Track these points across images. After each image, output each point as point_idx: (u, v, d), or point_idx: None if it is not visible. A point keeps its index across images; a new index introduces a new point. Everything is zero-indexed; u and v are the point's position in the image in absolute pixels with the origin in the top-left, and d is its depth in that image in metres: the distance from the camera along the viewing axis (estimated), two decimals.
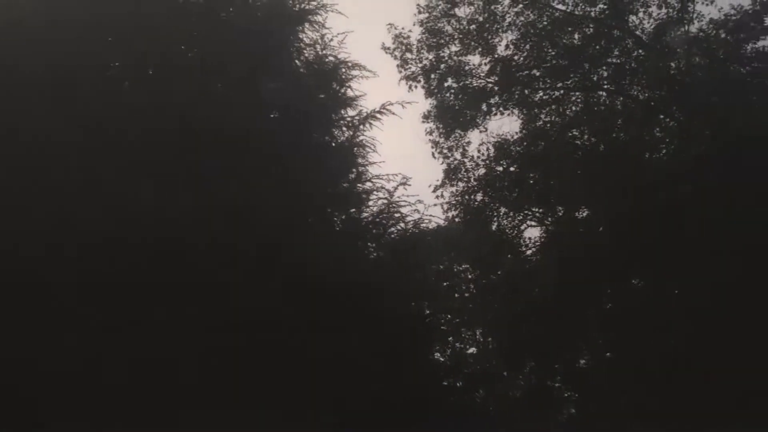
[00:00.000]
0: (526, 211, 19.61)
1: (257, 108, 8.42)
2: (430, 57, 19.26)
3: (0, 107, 7.13)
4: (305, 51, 9.42)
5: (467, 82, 19.33)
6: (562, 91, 19.55)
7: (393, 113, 9.46)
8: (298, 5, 9.25)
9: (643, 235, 15.77)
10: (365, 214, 10.37)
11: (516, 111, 19.59)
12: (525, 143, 19.32)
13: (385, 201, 10.34)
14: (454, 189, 19.54)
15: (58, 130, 7.03)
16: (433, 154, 19.76)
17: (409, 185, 10.28)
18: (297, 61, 9.38)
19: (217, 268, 7.40)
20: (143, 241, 6.92)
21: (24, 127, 7.02)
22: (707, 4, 18.58)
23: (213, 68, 8.10)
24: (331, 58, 9.41)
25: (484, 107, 19.34)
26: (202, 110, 7.58)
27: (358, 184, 9.94)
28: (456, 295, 20.96)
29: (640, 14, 18.98)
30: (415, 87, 19.27)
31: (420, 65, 19.24)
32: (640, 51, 19.02)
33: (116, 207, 6.90)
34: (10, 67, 7.29)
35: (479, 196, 19.45)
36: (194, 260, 7.15)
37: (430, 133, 19.77)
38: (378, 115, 9.44)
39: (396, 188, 10.23)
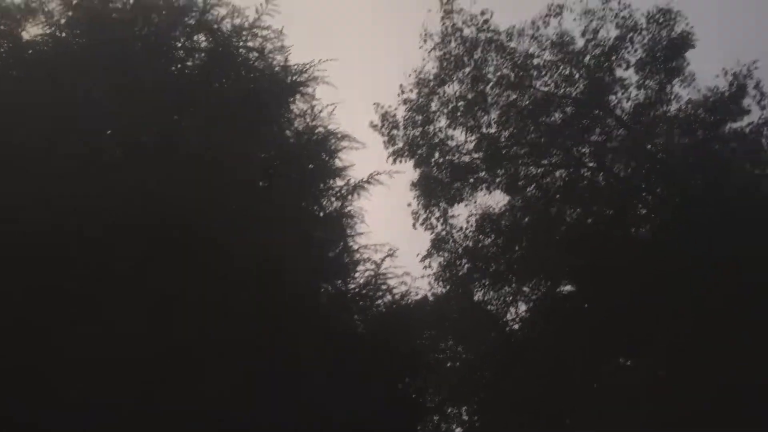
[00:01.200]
0: (510, 285, 19.63)
1: (246, 176, 8.43)
2: (416, 133, 19.68)
3: None
4: (295, 121, 9.56)
5: (454, 157, 19.70)
6: (545, 168, 19.92)
7: (381, 183, 9.55)
8: (290, 78, 9.44)
9: (630, 311, 15.77)
10: (352, 286, 10.28)
11: (500, 186, 19.90)
12: (510, 217, 19.53)
13: (372, 273, 10.27)
14: (441, 260, 19.64)
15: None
16: (414, 225, 19.94)
17: (396, 257, 10.25)
18: (288, 131, 9.50)
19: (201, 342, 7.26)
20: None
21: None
22: (685, 86, 19.31)
23: (205, 136, 8.13)
24: (320, 128, 9.55)
25: (470, 181, 19.67)
26: (189, 181, 7.60)
27: (346, 255, 9.88)
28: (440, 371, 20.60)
29: (620, 94, 19.65)
30: (402, 161, 19.64)
31: (406, 141, 19.62)
32: (621, 130, 19.57)
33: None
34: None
35: (464, 268, 19.51)
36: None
37: (418, 203, 20.00)
38: (366, 185, 9.51)
39: (383, 260, 10.18)
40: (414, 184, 19.91)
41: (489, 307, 19.54)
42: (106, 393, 6.61)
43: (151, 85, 8.34)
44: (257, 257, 8.01)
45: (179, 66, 9.15)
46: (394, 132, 19.72)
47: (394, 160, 19.63)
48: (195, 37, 9.28)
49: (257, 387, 7.65)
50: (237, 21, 9.27)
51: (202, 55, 9.27)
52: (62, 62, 8.18)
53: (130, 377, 6.83)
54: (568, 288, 19.53)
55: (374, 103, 19.83)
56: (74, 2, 8.64)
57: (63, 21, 8.69)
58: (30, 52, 8.48)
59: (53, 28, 8.61)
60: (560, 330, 17.34)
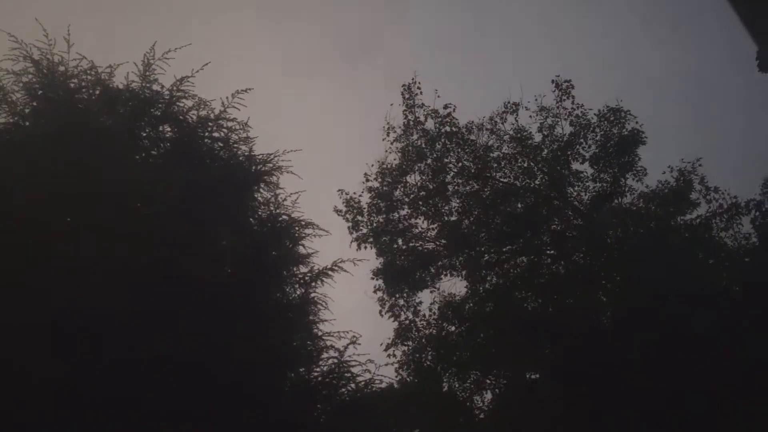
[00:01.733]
0: (475, 373, 19.47)
1: (210, 263, 8.40)
2: (380, 220, 19.97)
3: None
4: (259, 209, 9.63)
5: (416, 244, 19.94)
6: (506, 255, 20.23)
7: (344, 270, 9.58)
8: (254, 167, 9.59)
9: (596, 398, 15.72)
10: (315, 374, 10.10)
11: (463, 273, 20.08)
12: (472, 304, 19.61)
13: (336, 360, 10.13)
14: (405, 348, 19.47)
15: None
16: (380, 312, 19.90)
17: (359, 344, 10.16)
18: (252, 219, 9.56)
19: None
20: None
21: None
22: (637, 180, 20.11)
23: (165, 224, 8.12)
24: (284, 216, 9.63)
25: (432, 269, 19.83)
26: (149, 264, 7.53)
27: (308, 342, 9.77)
28: None
29: (577, 187, 20.32)
30: (366, 247, 19.78)
31: (370, 227, 19.85)
32: (579, 220, 20.12)
33: None
34: None
35: (429, 357, 19.34)
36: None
37: (380, 290, 19.99)
38: (330, 272, 9.53)
39: (346, 347, 10.08)
40: (376, 273, 19.99)
41: (456, 395, 19.27)
42: None
43: (116, 173, 8.37)
44: (218, 346, 7.88)
45: (143, 155, 9.24)
46: (359, 218, 20.02)
47: (359, 246, 19.82)
48: (160, 128, 9.41)
49: None
50: (203, 112, 9.48)
51: (168, 144, 9.38)
52: (27, 150, 8.18)
53: None
54: (533, 376, 19.43)
55: (338, 190, 20.20)
56: (39, 93, 8.74)
57: (27, 110, 8.76)
58: None
59: (16, 118, 8.66)
60: (525, 418, 17.11)
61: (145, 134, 9.38)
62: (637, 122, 20.06)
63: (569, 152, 20.21)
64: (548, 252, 20.22)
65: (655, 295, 16.68)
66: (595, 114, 20.19)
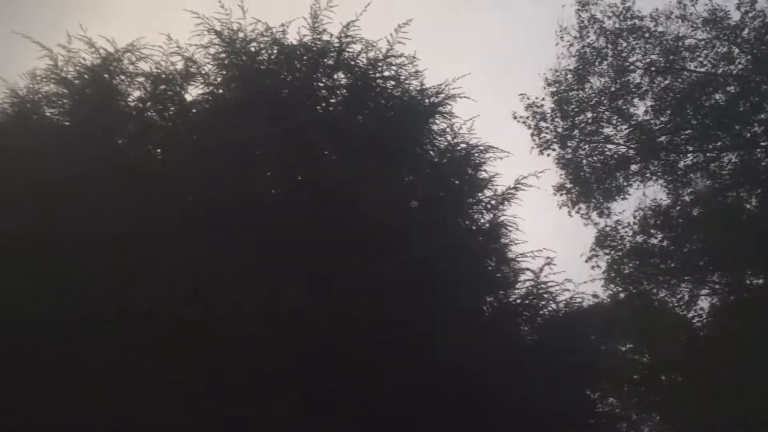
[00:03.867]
0: (687, 282, 18.42)
1: (396, 201, 8.71)
2: (565, 125, 19.21)
3: None
4: (437, 141, 9.75)
5: (605, 148, 19.00)
6: (712, 153, 18.63)
7: (529, 186, 9.47)
8: (427, 100, 9.67)
9: None
10: (513, 297, 10.21)
11: (661, 177, 18.85)
12: (676, 210, 18.41)
13: (533, 282, 10.14)
14: (607, 258, 18.89)
15: None
16: (571, 212, 19.19)
17: (555, 264, 10.05)
18: (431, 152, 9.71)
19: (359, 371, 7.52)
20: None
21: None
22: None
23: (352, 165, 8.54)
24: (462, 144, 9.67)
25: (624, 175, 18.85)
26: (339, 208, 7.99)
27: (504, 266, 9.85)
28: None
29: None
30: (548, 154, 19.22)
31: (555, 133, 19.19)
32: None
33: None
34: None
35: (633, 268, 18.59)
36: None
37: (564, 205, 19.42)
38: (513, 192, 9.48)
39: (542, 268, 10.02)
40: (559, 188, 19.39)
41: (666, 306, 18.43)
42: None
43: (300, 127, 8.91)
44: (416, 276, 8.22)
45: (323, 105, 9.69)
46: (542, 124, 19.35)
47: (541, 152, 19.25)
48: (335, 76, 9.78)
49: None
50: (371, 54, 9.66)
51: (343, 91, 9.74)
52: (220, 117, 8.96)
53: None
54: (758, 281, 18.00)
55: (520, 94, 19.55)
56: (226, 62, 9.45)
57: (218, 80, 9.54)
58: (193, 111, 9.39)
59: (210, 88, 9.47)
60: (752, 325, 15.96)
61: (321, 85, 9.80)
62: None
63: None
64: (762, 145, 18.26)
65: None
66: None
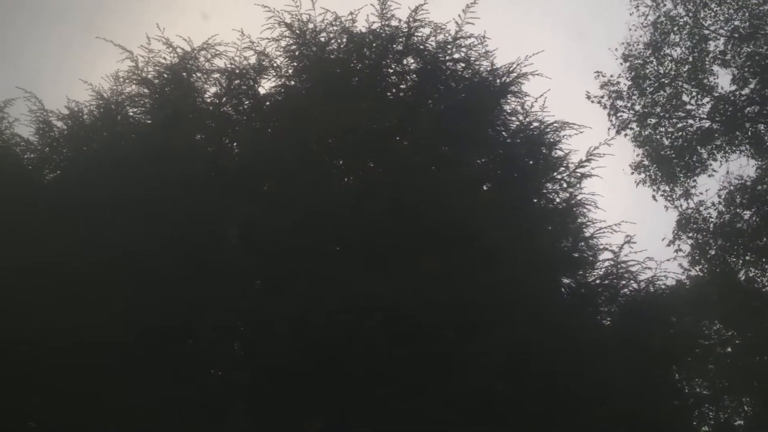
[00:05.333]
0: None
1: (470, 183, 8.67)
2: (643, 102, 18.45)
3: None
4: (509, 121, 9.63)
5: (687, 123, 18.18)
6: None
7: (602, 155, 9.26)
8: (498, 80, 9.55)
9: None
10: (592, 278, 10.02)
11: (747, 150, 17.94)
12: (766, 183, 17.51)
13: (612, 261, 9.92)
14: (691, 241, 18.12)
15: None
16: (656, 195, 18.48)
17: (635, 242, 9.80)
18: (504, 132, 9.61)
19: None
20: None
21: None
22: None
23: (423, 150, 8.56)
24: (535, 123, 9.51)
25: (707, 150, 18.01)
26: (412, 192, 8.04)
27: (582, 245, 9.67)
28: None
29: None
30: (626, 135, 18.53)
31: (632, 112, 18.46)
32: None
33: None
34: None
35: (718, 246, 17.80)
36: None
37: (643, 182, 18.69)
38: (587, 166, 9.29)
39: (621, 247, 9.79)
40: (636, 167, 18.67)
41: (755, 285, 17.60)
42: None
43: (371, 113, 8.98)
44: (490, 258, 8.18)
45: (393, 90, 9.72)
46: (618, 102, 18.58)
47: (618, 132, 18.50)
48: (404, 61, 9.77)
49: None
50: (440, 37, 9.59)
51: (413, 76, 9.74)
52: (293, 109, 9.13)
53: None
54: None
55: (595, 72, 18.81)
56: (297, 53, 9.60)
57: (290, 72, 9.71)
58: (267, 104, 9.60)
59: (283, 80, 9.65)
60: None
61: (391, 70, 9.83)
62: None
63: None
64: None
65: None
66: None
